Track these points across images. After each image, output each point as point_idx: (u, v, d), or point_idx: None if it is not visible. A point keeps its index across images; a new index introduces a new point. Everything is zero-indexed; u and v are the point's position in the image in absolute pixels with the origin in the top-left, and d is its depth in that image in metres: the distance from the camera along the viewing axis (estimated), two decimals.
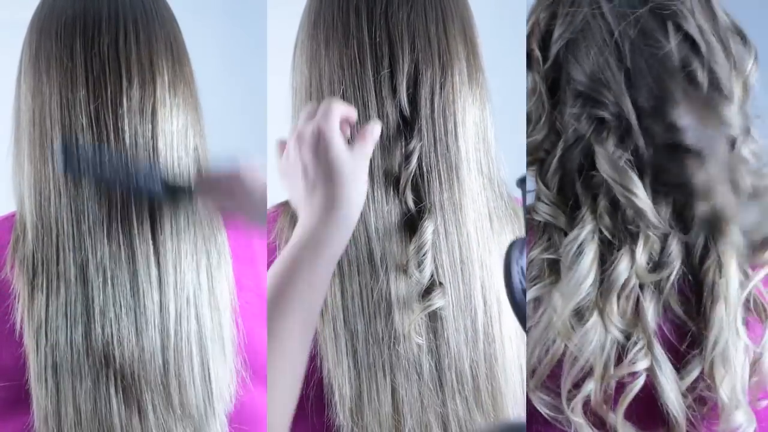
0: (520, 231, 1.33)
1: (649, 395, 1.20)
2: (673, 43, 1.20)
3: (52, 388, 1.26)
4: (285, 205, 1.35)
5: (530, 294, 1.21)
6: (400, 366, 1.28)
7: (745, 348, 1.19)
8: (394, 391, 1.28)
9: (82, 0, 1.34)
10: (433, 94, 1.30)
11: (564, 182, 1.23)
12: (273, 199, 1.38)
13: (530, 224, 1.25)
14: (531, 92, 1.27)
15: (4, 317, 1.28)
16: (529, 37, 1.28)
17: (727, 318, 1.19)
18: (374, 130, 1.27)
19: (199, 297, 1.31)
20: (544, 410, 1.21)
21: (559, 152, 1.23)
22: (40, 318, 1.27)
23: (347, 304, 1.28)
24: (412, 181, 1.29)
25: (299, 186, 1.23)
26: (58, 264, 1.28)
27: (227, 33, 1.93)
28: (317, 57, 1.31)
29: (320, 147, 1.22)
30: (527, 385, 1.22)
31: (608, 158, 1.20)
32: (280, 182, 1.29)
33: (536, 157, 1.26)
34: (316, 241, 1.19)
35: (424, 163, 1.30)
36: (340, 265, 1.27)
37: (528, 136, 1.26)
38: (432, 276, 1.28)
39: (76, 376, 1.27)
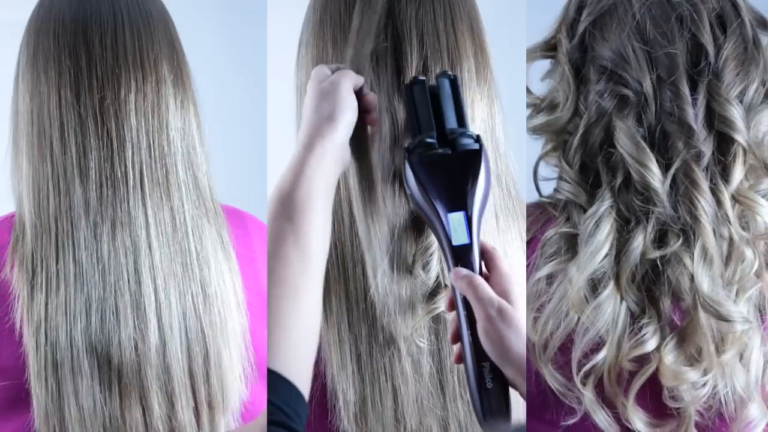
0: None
1: (662, 387, 1.21)
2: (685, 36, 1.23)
3: (53, 387, 1.26)
4: None
5: (544, 270, 1.24)
6: (402, 368, 1.27)
7: (761, 341, 1.20)
8: (395, 394, 1.27)
9: (80, 0, 1.33)
10: None
11: (585, 160, 1.25)
12: None
13: (546, 206, 1.29)
14: (557, 76, 1.29)
15: (4, 317, 1.27)
16: (559, 24, 1.31)
17: (744, 309, 1.20)
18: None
19: (203, 292, 1.31)
20: (555, 386, 1.23)
21: (581, 129, 1.25)
22: (39, 317, 1.26)
23: (351, 307, 1.27)
24: None
25: None
26: (57, 263, 1.27)
27: (227, 33, 1.92)
28: (323, 56, 1.30)
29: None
30: (539, 360, 1.23)
31: (628, 133, 1.22)
32: None
33: (561, 140, 1.28)
34: (310, 146, 1.19)
35: None
36: (344, 266, 1.26)
37: (554, 120, 1.29)
38: (437, 278, 1.27)
39: (76, 374, 1.26)
